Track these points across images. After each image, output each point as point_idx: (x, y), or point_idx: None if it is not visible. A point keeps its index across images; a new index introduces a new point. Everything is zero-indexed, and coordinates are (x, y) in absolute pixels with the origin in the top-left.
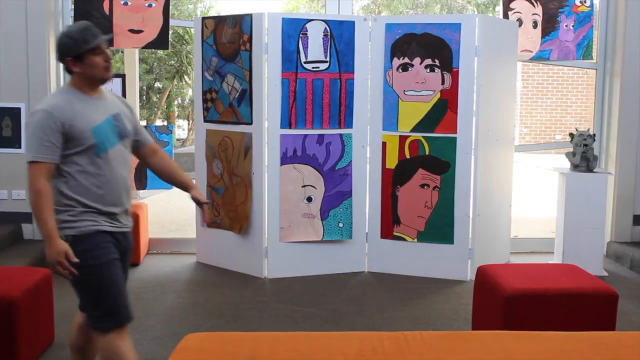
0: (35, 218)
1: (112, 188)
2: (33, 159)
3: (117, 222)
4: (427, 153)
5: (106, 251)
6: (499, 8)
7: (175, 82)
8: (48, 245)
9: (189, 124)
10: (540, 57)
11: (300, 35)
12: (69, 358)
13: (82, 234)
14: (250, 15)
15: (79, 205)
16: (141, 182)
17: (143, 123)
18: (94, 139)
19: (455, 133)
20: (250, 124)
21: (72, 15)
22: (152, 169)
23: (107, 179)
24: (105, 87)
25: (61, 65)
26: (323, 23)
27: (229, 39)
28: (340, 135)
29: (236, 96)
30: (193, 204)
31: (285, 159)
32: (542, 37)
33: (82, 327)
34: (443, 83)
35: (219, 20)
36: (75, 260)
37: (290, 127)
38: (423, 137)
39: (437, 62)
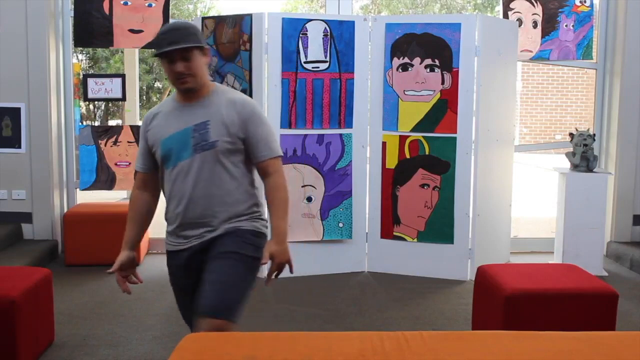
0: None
1: (176, 204)
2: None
3: (180, 239)
4: (427, 153)
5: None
6: (499, 8)
7: None
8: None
9: None
10: (540, 57)
11: (300, 35)
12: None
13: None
14: (250, 15)
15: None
16: None
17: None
18: (160, 152)
19: (455, 133)
20: None
21: (72, 15)
22: None
23: (172, 194)
24: (226, 88)
25: (61, 65)
26: (323, 23)
27: (229, 39)
28: (340, 135)
29: None
30: None
31: (285, 159)
32: (542, 37)
33: None
34: (443, 83)
35: (219, 21)
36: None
37: (290, 127)
38: (423, 137)
39: (437, 62)
